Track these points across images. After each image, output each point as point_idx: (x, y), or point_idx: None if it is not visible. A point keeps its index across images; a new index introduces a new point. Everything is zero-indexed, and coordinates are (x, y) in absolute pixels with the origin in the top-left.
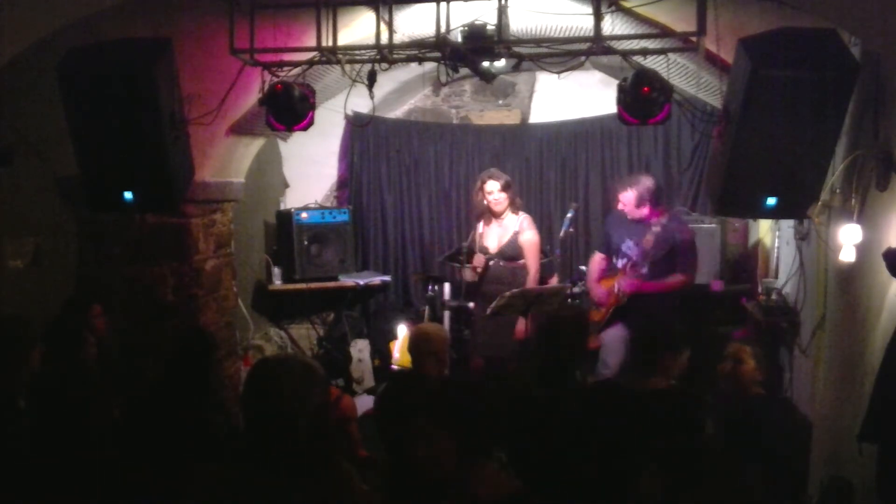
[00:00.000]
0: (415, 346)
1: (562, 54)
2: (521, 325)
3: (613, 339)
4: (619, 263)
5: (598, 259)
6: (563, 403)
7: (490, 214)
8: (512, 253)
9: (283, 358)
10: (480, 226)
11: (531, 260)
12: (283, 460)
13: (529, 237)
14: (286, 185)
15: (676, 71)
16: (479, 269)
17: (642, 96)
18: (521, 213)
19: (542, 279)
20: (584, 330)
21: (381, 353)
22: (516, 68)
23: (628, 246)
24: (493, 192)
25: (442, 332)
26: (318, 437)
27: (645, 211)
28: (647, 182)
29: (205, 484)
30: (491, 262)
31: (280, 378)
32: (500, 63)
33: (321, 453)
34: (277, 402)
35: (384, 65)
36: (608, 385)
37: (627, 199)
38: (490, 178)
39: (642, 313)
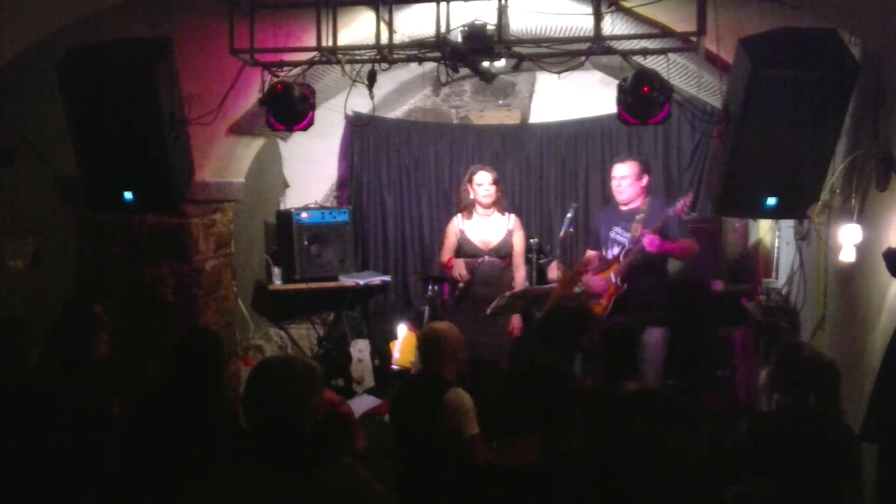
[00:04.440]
0: (428, 347)
1: (562, 54)
2: (516, 321)
3: None
4: (611, 253)
5: (591, 255)
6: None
7: (473, 210)
8: (506, 251)
9: (282, 359)
10: (460, 222)
11: (521, 260)
12: (289, 457)
13: (520, 237)
14: (286, 185)
15: (676, 71)
16: (463, 280)
17: (642, 96)
18: (507, 212)
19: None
20: (586, 322)
21: (381, 353)
22: (516, 68)
23: (617, 232)
24: (484, 184)
25: (454, 330)
26: (320, 434)
27: (644, 182)
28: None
29: (215, 483)
30: (481, 261)
31: (280, 378)
32: (500, 63)
33: (325, 449)
34: (279, 402)
35: (384, 65)
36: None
37: (629, 170)
38: (481, 169)
39: (642, 303)
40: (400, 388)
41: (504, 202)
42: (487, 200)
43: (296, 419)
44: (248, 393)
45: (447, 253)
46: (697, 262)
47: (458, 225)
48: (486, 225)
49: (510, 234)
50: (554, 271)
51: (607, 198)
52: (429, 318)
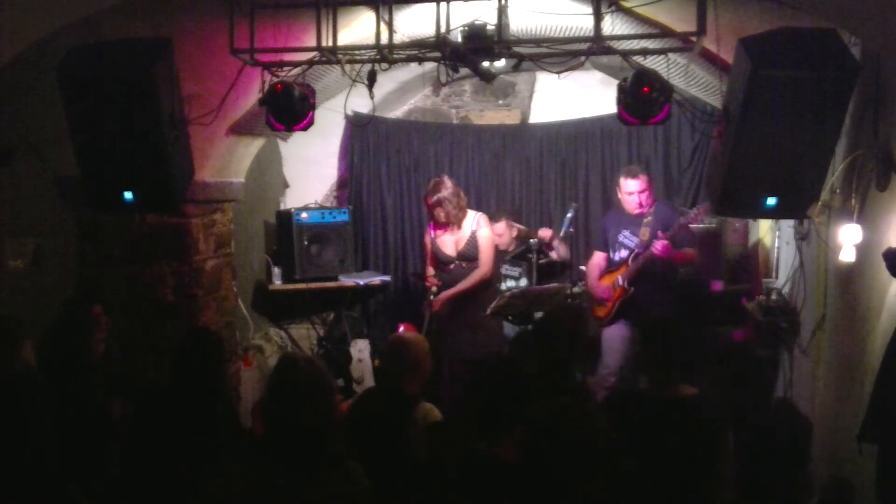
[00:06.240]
0: (392, 357)
1: (562, 54)
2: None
3: (614, 339)
4: (618, 256)
5: (598, 258)
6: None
7: None
8: (473, 253)
9: (300, 363)
10: (430, 231)
11: (485, 257)
12: (297, 459)
13: (486, 234)
14: (286, 185)
15: (676, 71)
16: (435, 286)
17: (642, 96)
18: (473, 211)
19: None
20: (583, 326)
21: (381, 353)
22: (516, 68)
23: (625, 236)
24: (429, 205)
25: (422, 341)
26: (328, 438)
27: (650, 194)
28: None
29: (217, 482)
30: (452, 266)
31: (299, 384)
32: (500, 63)
33: (331, 452)
34: (296, 406)
35: (384, 65)
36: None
37: (644, 183)
38: (427, 189)
39: (645, 307)
40: (361, 401)
41: (459, 216)
42: (439, 220)
43: (312, 421)
44: (271, 391)
45: (429, 262)
46: (698, 263)
47: (430, 234)
48: (451, 232)
49: (474, 234)
50: (503, 228)
51: (608, 198)
52: (430, 319)
